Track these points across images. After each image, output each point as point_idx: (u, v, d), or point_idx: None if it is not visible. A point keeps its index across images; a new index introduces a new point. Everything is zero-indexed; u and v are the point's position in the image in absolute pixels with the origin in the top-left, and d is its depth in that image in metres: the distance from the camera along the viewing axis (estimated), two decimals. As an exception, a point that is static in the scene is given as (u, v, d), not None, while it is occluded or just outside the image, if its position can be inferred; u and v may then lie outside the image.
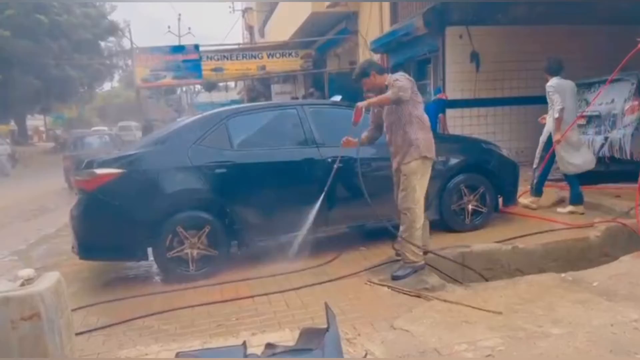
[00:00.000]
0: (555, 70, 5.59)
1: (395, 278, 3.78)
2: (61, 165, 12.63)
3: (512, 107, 9.04)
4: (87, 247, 4.21)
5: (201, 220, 4.24)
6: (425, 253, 4.04)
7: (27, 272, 2.36)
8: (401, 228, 3.84)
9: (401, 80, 3.70)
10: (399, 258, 4.21)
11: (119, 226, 4.11)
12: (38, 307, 2.21)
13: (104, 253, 4.27)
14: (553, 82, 5.46)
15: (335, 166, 4.16)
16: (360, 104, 3.72)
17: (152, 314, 3.49)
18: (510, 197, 5.33)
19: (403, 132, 3.80)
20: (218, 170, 4.31)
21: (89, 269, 4.76)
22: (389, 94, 3.69)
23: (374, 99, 3.79)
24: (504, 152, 5.49)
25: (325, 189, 4.10)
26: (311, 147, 4.62)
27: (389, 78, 3.84)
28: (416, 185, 3.77)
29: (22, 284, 2.30)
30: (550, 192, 6.30)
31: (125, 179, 4.09)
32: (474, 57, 8.77)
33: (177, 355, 2.45)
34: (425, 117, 3.93)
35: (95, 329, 3.34)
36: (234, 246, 4.49)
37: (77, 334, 2.84)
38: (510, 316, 2.95)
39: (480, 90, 8.88)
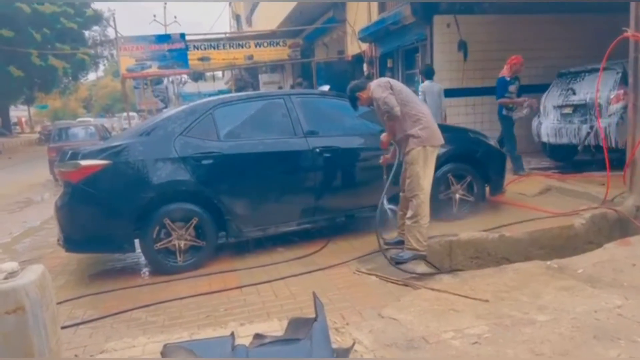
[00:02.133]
0: (428, 74, 7.35)
1: (398, 261, 3.81)
2: (46, 157, 12.46)
3: (500, 97, 9.06)
4: (72, 240, 4.17)
5: (188, 211, 4.22)
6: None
7: (10, 265, 2.32)
8: (408, 214, 3.88)
9: (381, 97, 3.80)
10: (387, 248, 4.24)
11: (105, 218, 4.08)
12: (22, 301, 2.18)
13: (90, 245, 4.23)
14: (425, 84, 7.18)
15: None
16: (383, 139, 4.08)
17: (140, 307, 3.48)
18: (497, 186, 5.37)
19: (400, 129, 3.90)
20: (205, 161, 4.28)
21: (76, 262, 4.72)
22: (388, 121, 3.88)
23: (389, 131, 3.98)
24: (491, 142, 5.52)
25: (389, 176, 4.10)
26: (299, 138, 4.60)
27: (370, 88, 3.96)
28: (419, 172, 3.81)
29: (6, 278, 2.26)
30: (537, 181, 6.37)
31: (110, 171, 4.05)
32: (462, 45, 8.77)
33: (165, 346, 2.45)
34: (419, 109, 3.93)
35: (82, 322, 3.32)
36: (222, 237, 4.48)
37: (63, 327, 2.83)
38: (497, 304, 2.99)
39: (468, 79, 8.89)
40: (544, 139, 7.44)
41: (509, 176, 6.03)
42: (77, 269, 4.60)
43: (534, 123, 7.79)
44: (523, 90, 9.02)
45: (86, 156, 4.11)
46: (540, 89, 7.86)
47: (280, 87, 19.12)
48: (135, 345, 2.64)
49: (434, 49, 8.83)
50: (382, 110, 3.81)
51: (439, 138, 3.92)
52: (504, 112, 6.94)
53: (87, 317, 3.42)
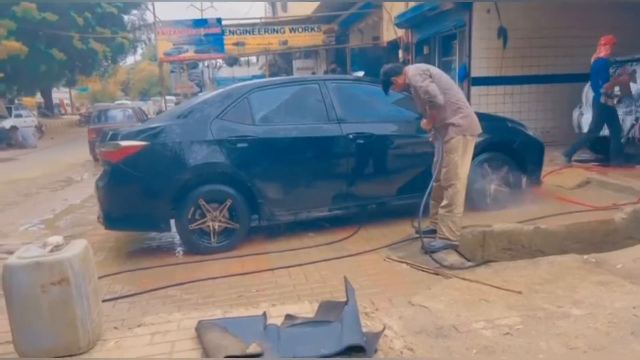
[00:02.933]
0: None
1: (431, 250, 3.78)
2: (86, 138, 12.87)
3: (540, 85, 8.81)
4: (112, 218, 4.31)
5: (223, 193, 4.30)
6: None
7: (56, 239, 2.44)
8: (442, 203, 3.86)
9: (422, 85, 3.71)
10: (418, 236, 4.22)
11: (143, 197, 4.20)
12: (67, 273, 2.29)
13: (129, 223, 4.37)
14: None
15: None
16: (423, 126, 4.01)
17: (175, 285, 3.59)
18: (535, 177, 5.24)
19: (439, 118, 3.85)
20: (240, 145, 4.34)
21: (114, 239, 4.89)
22: (430, 110, 3.83)
23: (430, 119, 3.93)
24: (530, 132, 5.37)
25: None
26: (333, 123, 4.60)
27: (407, 74, 3.88)
28: (458, 161, 3.78)
29: (52, 251, 2.38)
30: (577, 173, 6.18)
31: (148, 152, 4.15)
32: (502, 32, 8.53)
33: (200, 322, 2.53)
34: (459, 96, 3.90)
35: (121, 297, 3.45)
36: (254, 220, 4.55)
37: (103, 301, 2.94)
38: (530, 296, 2.94)
39: (507, 67, 8.66)
40: (585, 130, 7.19)
41: (552, 167, 5.87)
42: (115, 246, 4.77)
43: (575, 113, 7.54)
44: (564, 79, 8.73)
45: (125, 137, 4.23)
46: (583, 78, 7.57)
47: (313, 73, 19.06)
48: (171, 321, 2.73)
49: (473, 36, 8.62)
50: (423, 98, 3.74)
51: (478, 127, 3.87)
52: (602, 99, 6.16)
53: (125, 292, 3.56)
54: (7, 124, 17.90)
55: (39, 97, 35.05)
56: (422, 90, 3.70)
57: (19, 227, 5.97)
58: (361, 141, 4.58)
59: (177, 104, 14.34)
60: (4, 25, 19.43)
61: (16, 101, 27.88)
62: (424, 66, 3.94)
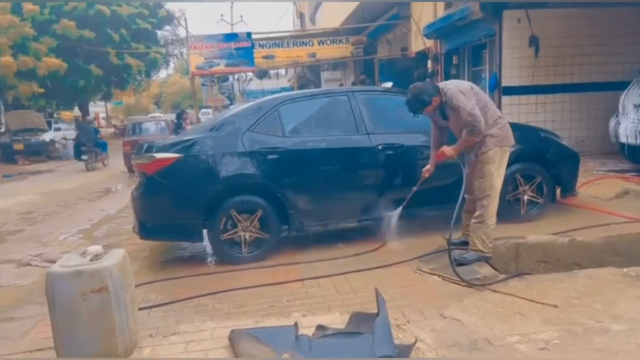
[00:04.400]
0: None
1: (460, 262, 3.73)
2: (121, 150, 13.25)
3: (573, 94, 8.62)
4: (147, 227, 4.41)
5: (254, 204, 4.36)
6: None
7: (95, 248, 2.52)
8: (475, 214, 3.81)
9: (466, 106, 3.55)
10: (452, 248, 4.17)
11: (177, 208, 4.30)
12: (106, 281, 2.37)
13: (163, 233, 4.47)
14: None
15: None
16: (448, 153, 3.81)
17: (208, 294, 3.64)
18: (569, 188, 5.12)
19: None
20: (270, 156, 4.40)
21: (149, 249, 5.01)
22: (467, 136, 3.65)
23: (460, 146, 3.78)
24: (564, 142, 5.26)
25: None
26: (362, 135, 4.61)
27: (446, 93, 3.69)
28: (494, 172, 3.73)
29: (92, 260, 2.46)
30: (614, 184, 6.00)
31: (182, 164, 4.25)
32: (533, 41, 8.41)
33: (232, 332, 2.56)
34: (495, 108, 3.85)
35: (155, 306, 3.52)
36: (284, 230, 4.59)
37: (139, 309, 3.01)
38: (567, 310, 2.87)
39: (539, 76, 8.52)
40: (623, 139, 6.97)
41: (588, 178, 5.72)
42: (149, 256, 4.88)
43: (612, 123, 7.33)
44: (599, 88, 8.52)
45: (160, 149, 4.34)
46: (619, 86, 7.38)
47: (341, 84, 19.17)
48: (205, 329, 2.78)
49: (503, 45, 8.53)
50: (465, 121, 3.59)
51: (512, 138, 3.82)
52: None
53: (159, 300, 3.62)
54: (47, 137, 18.61)
55: (76, 111, 36.32)
56: (465, 112, 3.55)
57: (58, 237, 6.18)
58: (390, 152, 4.58)
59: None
60: (45, 42, 20.30)
61: (55, 115, 28.99)
62: (465, 84, 3.79)
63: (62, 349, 2.43)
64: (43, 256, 5.22)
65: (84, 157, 14.35)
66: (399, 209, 4.40)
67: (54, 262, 3.23)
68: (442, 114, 3.86)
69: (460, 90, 3.66)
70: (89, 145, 14.48)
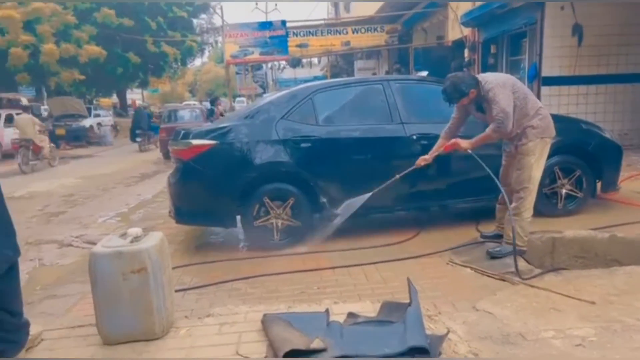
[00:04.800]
0: None
1: (493, 256, 3.69)
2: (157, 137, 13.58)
3: (617, 85, 8.29)
4: (182, 212, 4.52)
5: (286, 192, 4.40)
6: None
7: (135, 230, 2.61)
8: (512, 206, 3.74)
9: (502, 102, 3.46)
10: (484, 240, 4.12)
11: (212, 194, 4.38)
12: (145, 263, 2.45)
13: (198, 218, 4.58)
14: None
15: None
16: (463, 145, 3.73)
17: (241, 278, 3.72)
18: (611, 183, 4.95)
19: (518, 123, 3.64)
20: (303, 145, 4.42)
21: (184, 233, 5.14)
22: (492, 132, 3.57)
23: (479, 141, 3.71)
24: (607, 134, 5.08)
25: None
26: (396, 124, 4.58)
27: (484, 86, 3.59)
28: (533, 164, 3.66)
29: (132, 241, 2.55)
30: (658, 179, 5.77)
31: (218, 150, 4.32)
32: (577, 30, 8.11)
33: (265, 316, 2.61)
34: (535, 99, 3.75)
35: (190, 288, 3.62)
36: (316, 219, 4.62)
37: (174, 291, 3.09)
38: (605, 307, 2.79)
39: (582, 66, 8.22)
40: (670, 133, 6.69)
41: (630, 172, 5.52)
42: (184, 240, 5.01)
43: (657, 115, 7.03)
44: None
45: (196, 136, 4.43)
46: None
47: (374, 74, 19.00)
48: (238, 313, 2.84)
49: (545, 34, 8.26)
50: (495, 116, 3.51)
51: (553, 129, 3.72)
52: None
53: (194, 283, 3.72)
54: (87, 123, 19.22)
55: (114, 98, 37.29)
56: (499, 107, 3.48)
57: (97, 219, 6.40)
58: (425, 142, 4.52)
59: None
60: (86, 30, 20.91)
61: (94, 102, 29.85)
62: (509, 79, 3.68)
63: (102, 325, 2.53)
64: (84, 237, 5.43)
65: (138, 139, 15.75)
66: (364, 196, 4.19)
67: (94, 243, 3.36)
68: (478, 106, 3.78)
69: (499, 84, 3.56)
70: (144, 129, 15.48)
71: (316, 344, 2.22)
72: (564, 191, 4.76)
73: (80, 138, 18.57)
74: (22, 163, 11.58)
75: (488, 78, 3.65)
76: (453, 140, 3.83)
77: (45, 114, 20.65)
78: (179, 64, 32.10)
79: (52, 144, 13.38)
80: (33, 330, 2.56)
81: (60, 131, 17.91)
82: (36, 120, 12.65)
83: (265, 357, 2.30)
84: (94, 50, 20.57)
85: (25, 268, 4.27)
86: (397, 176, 4.11)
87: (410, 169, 4.08)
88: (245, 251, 4.59)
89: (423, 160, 4.04)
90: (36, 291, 3.84)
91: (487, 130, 3.61)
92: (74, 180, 10.15)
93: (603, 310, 2.75)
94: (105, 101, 34.64)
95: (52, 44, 19.19)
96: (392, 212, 4.68)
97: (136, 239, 2.56)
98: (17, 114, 13.61)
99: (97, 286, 2.47)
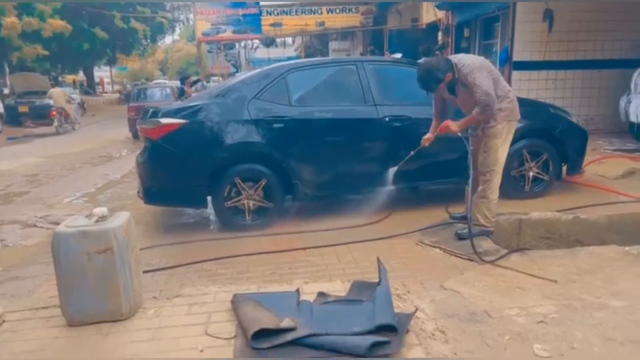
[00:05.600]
0: None
1: (461, 237, 3.76)
2: (125, 116, 13.21)
3: (585, 71, 8.48)
4: (151, 193, 4.44)
5: (258, 173, 4.36)
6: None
7: (101, 210, 2.54)
8: (479, 189, 3.80)
9: (482, 84, 3.45)
10: (453, 222, 4.19)
11: (182, 174, 4.31)
12: (111, 242, 2.40)
13: (167, 199, 4.50)
14: None
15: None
16: (453, 128, 3.72)
17: (211, 259, 3.69)
18: (576, 166, 5.09)
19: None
20: (276, 125, 4.38)
21: (152, 214, 5.05)
22: (478, 114, 3.56)
23: (466, 123, 3.71)
24: (574, 119, 5.20)
25: None
26: (369, 106, 4.57)
27: (461, 69, 3.57)
28: (499, 147, 3.70)
29: (97, 221, 2.49)
30: (620, 163, 5.97)
31: (187, 129, 4.24)
32: (548, 15, 8.22)
33: (235, 296, 2.61)
34: (504, 83, 3.78)
35: (159, 269, 3.58)
36: (288, 200, 4.61)
37: (142, 272, 3.05)
38: (567, 285, 2.89)
39: (552, 51, 8.36)
40: (633, 119, 6.92)
41: (594, 156, 5.68)
42: (153, 220, 4.93)
43: (622, 101, 7.25)
44: (612, 65, 8.37)
45: (165, 115, 4.32)
46: (633, 64, 7.26)
47: (348, 55, 18.89)
48: (207, 293, 2.82)
49: (516, 19, 8.35)
50: (479, 99, 3.49)
51: (519, 112, 3.77)
52: None
53: (163, 264, 3.68)
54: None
55: (80, 75, 36.07)
56: (481, 90, 3.46)
57: (63, 199, 6.24)
58: (397, 124, 4.55)
59: None
60: (50, 4, 20.01)
61: (60, 78, 28.81)
62: (484, 62, 3.68)
63: (67, 307, 2.48)
64: (48, 218, 5.28)
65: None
66: (394, 168, 4.29)
67: (58, 224, 3.26)
68: (450, 89, 3.76)
69: (476, 67, 3.56)
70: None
71: (286, 323, 2.23)
72: (531, 174, 4.87)
73: (44, 116, 17.89)
74: (58, 126, 15.27)
75: (464, 61, 3.63)
76: (444, 123, 3.82)
77: (6, 90, 19.84)
78: (149, 41, 31.23)
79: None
80: (-6, 312, 2.49)
81: (24, 108, 17.20)
82: (66, 92, 16.94)
83: (235, 336, 2.30)
84: (58, 24, 19.73)
85: (-15, 249, 4.14)
86: (412, 153, 4.12)
87: (418, 147, 4.09)
88: (216, 232, 4.56)
89: (427, 140, 4.04)
90: (-2, 273, 3.73)
91: (474, 113, 3.59)
92: (38, 159, 9.83)
93: (565, 288, 2.85)
94: (71, 78, 33.45)
95: (14, 17, 18.32)
96: (361, 194, 4.69)
97: (102, 218, 2.50)
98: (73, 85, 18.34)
99: (61, 267, 2.41)
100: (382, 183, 4.49)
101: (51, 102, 17.50)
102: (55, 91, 16.25)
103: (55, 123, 15.28)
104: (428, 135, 4.06)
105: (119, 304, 2.48)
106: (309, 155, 4.47)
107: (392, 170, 4.28)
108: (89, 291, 2.43)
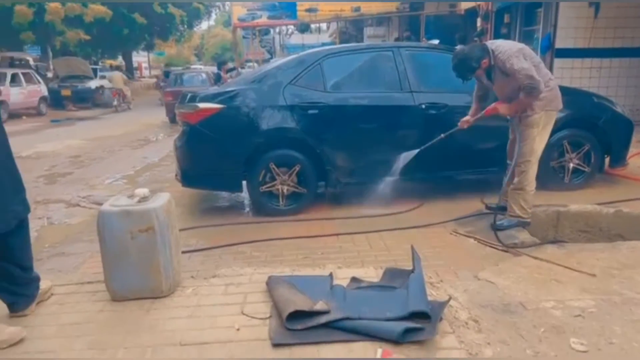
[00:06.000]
0: None
1: (497, 228, 3.70)
2: (163, 100, 13.50)
3: (632, 59, 8.12)
4: (188, 176, 4.55)
5: (292, 158, 4.40)
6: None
7: (143, 191, 2.63)
8: (515, 180, 3.73)
9: (523, 67, 3.37)
10: (488, 212, 4.13)
11: (218, 158, 4.39)
12: (153, 222, 2.49)
13: (204, 182, 4.61)
14: None
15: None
16: (502, 110, 3.65)
17: (246, 242, 3.77)
18: (619, 158, 4.92)
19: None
20: (311, 111, 4.39)
21: (189, 196, 5.18)
22: (526, 97, 3.48)
23: (516, 106, 3.60)
24: (618, 109, 5.01)
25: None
26: (405, 92, 4.53)
27: (497, 56, 3.50)
28: (536, 137, 3.61)
29: (139, 201, 2.58)
30: (668, 156, 5.73)
31: (225, 114, 4.31)
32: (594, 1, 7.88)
33: (270, 277, 2.66)
34: (546, 70, 3.68)
35: (196, 250, 3.68)
36: (321, 186, 4.64)
37: (181, 253, 3.14)
38: (606, 280, 2.82)
39: (597, 38, 8.03)
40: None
41: (639, 148, 5.47)
42: (190, 203, 5.06)
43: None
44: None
45: (203, 99, 4.40)
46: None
47: (383, 41, 18.64)
48: (243, 274, 2.89)
49: (560, 4, 8.04)
50: (524, 83, 3.41)
51: (560, 102, 3.66)
52: None
53: (200, 246, 3.79)
54: (93, 84, 19.09)
55: (119, 60, 36.90)
56: (523, 74, 3.38)
57: (104, 181, 6.45)
58: (433, 112, 4.50)
59: None
60: (91, -11, 20.49)
61: (100, 63, 29.57)
62: (521, 47, 3.60)
63: (111, 283, 2.59)
64: (90, 198, 5.49)
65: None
66: (414, 151, 4.27)
67: (101, 204, 3.40)
68: (487, 75, 3.69)
69: (514, 52, 3.47)
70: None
71: (320, 306, 2.27)
72: (571, 165, 4.74)
73: (86, 99, 18.49)
74: (117, 105, 17.46)
75: (501, 47, 3.55)
76: (493, 105, 3.74)
77: (50, 74, 20.51)
78: (185, 26, 31.60)
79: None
80: (43, 285, 2.62)
81: (66, 92, 17.83)
82: (123, 75, 19.80)
83: (270, 317, 2.35)
84: (99, 9, 20.22)
85: (34, 226, 4.32)
86: (442, 135, 4.08)
87: (453, 129, 4.05)
88: (250, 216, 4.65)
89: (465, 122, 3.99)
90: (45, 249, 3.92)
91: (521, 96, 3.53)
92: (80, 141, 10.19)
93: (604, 283, 2.79)
94: (111, 63, 34.28)
95: (57, 2, 18.87)
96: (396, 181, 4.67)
97: (143, 199, 2.58)
98: (110, 70, 22.63)
99: (106, 244, 2.51)
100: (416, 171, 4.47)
101: (92, 86, 18.18)
102: (115, 75, 19.13)
103: (115, 102, 17.49)
104: (467, 118, 3.99)
105: (160, 282, 2.57)
106: (343, 142, 4.48)
107: (410, 154, 4.25)
108: (132, 268, 2.52)
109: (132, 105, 18.46)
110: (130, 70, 34.23)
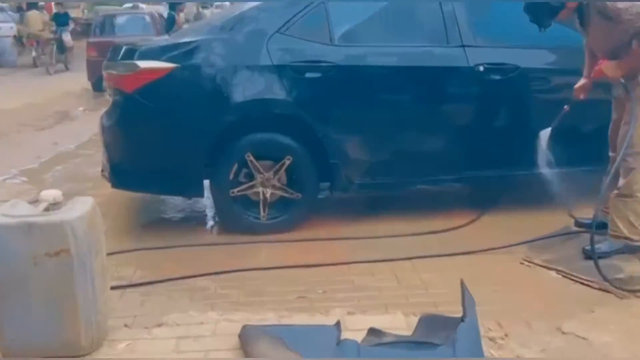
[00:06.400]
0: None
1: (593, 255, 3.68)
2: (83, 56, 13.50)
3: None
4: (122, 172, 4.55)
5: (280, 146, 4.42)
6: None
7: (52, 193, 2.63)
8: (620, 182, 3.74)
9: (634, 5, 3.39)
10: (579, 231, 4.14)
11: (167, 146, 4.39)
12: (67, 241, 2.47)
13: (145, 182, 4.59)
14: None
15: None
16: (609, 72, 3.68)
17: (208, 274, 3.76)
18: None
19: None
20: (310, 74, 4.41)
21: (123, 203, 5.19)
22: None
23: (626, 63, 3.63)
24: None
25: None
26: (453, 47, 4.55)
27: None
28: None
29: (47, 209, 2.58)
30: None
31: (177, 78, 4.31)
32: None
33: (245, 328, 2.67)
34: None
35: (132, 285, 3.67)
36: (324, 189, 4.65)
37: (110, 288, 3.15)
38: None
39: None
40: None
41: None
42: (124, 213, 5.08)
43: None
44: None
45: (145, 55, 4.41)
46: None
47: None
48: (203, 322, 2.90)
49: None
50: (637, 27, 3.44)
51: None
52: None
53: (138, 278, 3.78)
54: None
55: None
56: (635, 12, 3.38)
57: (-9, 178, 6.45)
58: (497, 77, 4.51)
59: None
60: None
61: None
62: None
63: (2, 334, 2.57)
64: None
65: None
66: (547, 131, 4.25)
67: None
68: (579, 18, 3.75)
69: None
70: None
71: (320, 371, 2.28)
72: None
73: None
74: (37, 59, 18.14)
75: None
76: (597, 67, 3.78)
77: None
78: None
79: None
80: None
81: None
82: (42, 15, 19.40)
83: (244, 388, 2.36)
84: None
85: None
86: (567, 107, 4.08)
87: (572, 101, 4.06)
88: (215, 234, 4.67)
89: (581, 89, 4.01)
90: None
91: (634, 47, 3.55)
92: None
93: None
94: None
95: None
96: (437, 183, 4.68)
97: (53, 206, 2.58)
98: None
99: (-5, 276, 2.51)
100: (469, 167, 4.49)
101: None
102: (32, 14, 18.74)
103: (34, 54, 17.93)
104: (583, 81, 4.01)
105: (77, 332, 2.56)
106: (357, 122, 4.50)
107: (545, 134, 4.23)
108: (36, 311, 2.51)
109: (71, 65, 18.08)
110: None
